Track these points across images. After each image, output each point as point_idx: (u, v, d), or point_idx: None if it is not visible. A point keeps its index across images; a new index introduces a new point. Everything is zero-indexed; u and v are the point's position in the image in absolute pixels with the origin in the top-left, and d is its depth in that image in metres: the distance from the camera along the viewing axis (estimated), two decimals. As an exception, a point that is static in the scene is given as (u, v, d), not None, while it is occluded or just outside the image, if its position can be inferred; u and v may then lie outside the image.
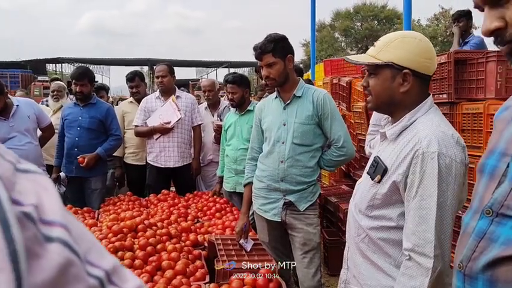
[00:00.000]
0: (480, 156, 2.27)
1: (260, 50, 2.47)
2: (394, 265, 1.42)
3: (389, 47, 1.43)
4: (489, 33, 0.83)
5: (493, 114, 2.41)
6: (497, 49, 2.62)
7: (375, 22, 34.31)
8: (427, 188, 1.30)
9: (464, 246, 0.88)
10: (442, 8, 29.80)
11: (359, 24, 34.59)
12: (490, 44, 4.58)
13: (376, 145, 1.67)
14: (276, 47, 2.45)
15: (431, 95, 1.49)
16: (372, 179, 1.45)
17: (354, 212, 1.56)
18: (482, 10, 0.85)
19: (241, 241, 2.53)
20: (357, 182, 1.64)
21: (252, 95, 8.19)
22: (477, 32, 5.03)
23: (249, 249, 2.49)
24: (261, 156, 2.62)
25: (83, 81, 3.83)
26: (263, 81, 3.71)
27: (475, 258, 0.84)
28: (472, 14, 4.75)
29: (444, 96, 2.78)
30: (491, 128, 2.41)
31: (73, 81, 3.83)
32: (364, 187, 1.51)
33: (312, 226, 2.49)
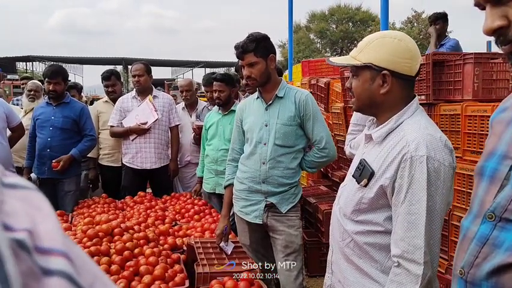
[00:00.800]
0: (458, 157, 2.27)
1: (242, 49, 2.42)
2: (380, 270, 1.40)
3: (369, 48, 1.41)
4: (491, 32, 0.81)
5: (471, 116, 2.45)
6: (473, 51, 2.66)
7: (350, 24, 34.76)
8: (416, 192, 1.27)
9: (465, 252, 0.86)
10: (415, 12, 30.46)
11: (334, 26, 34.97)
12: (466, 47, 4.67)
13: (359, 146, 1.65)
14: (258, 46, 2.41)
15: (416, 97, 1.47)
16: (358, 183, 1.42)
17: (339, 216, 1.53)
18: (483, 8, 0.83)
19: (222, 244, 2.48)
20: (341, 185, 1.61)
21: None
22: (452, 35, 5.13)
23: (229, 253, 2.45)
24: (242, 158, 2.57)
25: (57, 80, 3.71)
26: (243, 81, 3.69)
27: (478, 265, 0.81)
28: (448, 17, 4.84)
29: (423, 97, 2.81)
30: (468, 129, 2.44)
31: (46, 79, 3.70)
32: (349, 191, 1.48)
33: (294, 228, 2.46)
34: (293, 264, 2.43)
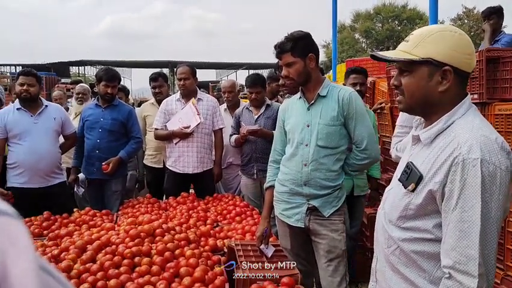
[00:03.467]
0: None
1: (279, 49, 2.38)
2: (429, 280, 1.30)
3: (426, 42, 1.30)
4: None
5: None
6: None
7: (396, 23, 33.88)
8: (469, 198, 1.17)
9: None
10: (465, 8, 29.23)
11: (379, 25, 34.20)
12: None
13: (406, 148, 1.55)
14: (295, 45, 2.34)
15: (469, 95, 1.36)
16: (405, 187, 1.33)
17: (384, 222, 1.44)
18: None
19: (262, 247, 2.43)
20: (387, 189, 1.53)
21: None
22: (507, 31, 4.83)
23: (269, 256, 2.40)
24: (284, 159, 2.51)
25: (114, 83, 3.84)
26: (281, 81, 3.64)
27: None
28: (503, 12, 4.56)
29: (475, 96, 2.65)
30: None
31: (103, 82, 3.81)
32: (395, 196, 1.39)
33: (337, 232, 2.37)
34: (336, 269, 2.36)
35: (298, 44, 2.34)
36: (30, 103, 3.56)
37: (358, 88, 3.45)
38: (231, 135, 4.06)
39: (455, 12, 30.00)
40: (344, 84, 3.49)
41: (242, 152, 4.00)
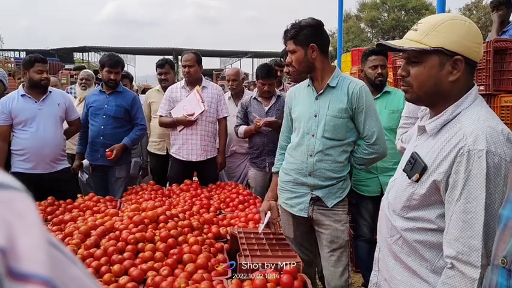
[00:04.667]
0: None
1: (284, 36, 2.38)
2: (431, 270, 1.31)
3: (437, 31, 1.28)
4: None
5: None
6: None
7: (403, 12, 33.57)
8: (473, 189, 1.17)
9: (507, 242, 0.82)
10: (474, -1, 28.91)
11: (385, 14, 33.91)
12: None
13: (411, 139, 1.55)
14: (298, 34, 2.31)
15: (476, 85, 1.35)
16: (410, 178, 1.33)
17: (387, 211, 1.45)
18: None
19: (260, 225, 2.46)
20: (391, 179, 1.53)
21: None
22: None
23: (260, 231, 2.41)
24: (289, 148, 2.50)
25: (117, 69, 3.83)
26: (285, 69, 3.62)
27: None
28: (512, 2, 4.50)
29: (482, 87, 2.64)
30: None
31: (106, 68, 3.80)
32: (399, 186, 1.39)
33: (340, 223, 2.38)
34: (339, 260, 2.37)
35: (302, 33, 2.32)
36: (37, 89, 3.55)
37: (379, 71, 3.08)
38: (237, 126, 4.00)
39: (463, 3, 29.64)
40: (362, 70, 3.22)
41: (251, 144, 3.96)
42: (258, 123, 3.72)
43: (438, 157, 1.26)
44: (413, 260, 1.35)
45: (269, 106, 3.88)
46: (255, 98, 3.96)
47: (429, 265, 1.31)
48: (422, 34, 1.31)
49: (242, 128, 3.94)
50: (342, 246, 2.37)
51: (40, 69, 3.53)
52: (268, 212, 2.46)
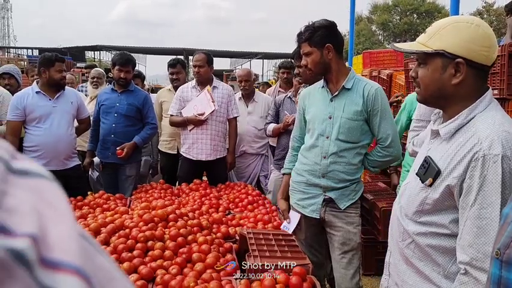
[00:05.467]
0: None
1: (298, 38, 2.37)
2: (443, 275, 1.30)
3: (441, 34, 1.29)
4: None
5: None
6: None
7: (415, 16, 33.37)
8: (488, 195, 1.16)
9: (503, 235, 0.84)
10: (485, 3, 28.64)
11: (397, 17, 33.73)
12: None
13: (424, 143, 1.54)
14: (312, 35, 2.30)
15: (490, 89, 1.34)
16: (423, 182, 1.32)
17: (399, 216, 1.43)
18: None
19: (285, 223, 2.49)
20: (403, 183, 1.52)
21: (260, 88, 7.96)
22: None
23: (291, 231, 2.43)
24: (303, 149, 2.49)
25: (128, 68, 3.84)
26: (296, 71, 3.59)
27: None
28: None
29: (496, 92, 2.61)
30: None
31: (117, 67, 3.83)
32: (412, 190, 1.38)
33: (352, 225, 2.36)
34: (350, 262, 2.35)
35: (316, 34, 2.31)
36: (54, 88, 3.59)
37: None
38: (267, 124, 3.94)
39: (475, 7, 29.36)
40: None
41: (278, 145, 3.91)
42: (287, 120, 3.63)
43: (453, 161, 1.25)
44: (426, 265, 1.34)
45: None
46: (289, 97, 3.86)
47: (442, 270, 1.30)
48: (428, 37, 1.33)
49: (271, 126, 3.86)
50: (354, 249, 2.36)
51: (60, 68, 3.58)
52: (296, 214, 2.47)
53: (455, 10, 3.70)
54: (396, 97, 3.98)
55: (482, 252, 1.16)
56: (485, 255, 1.15)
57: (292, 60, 4.04)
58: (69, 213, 0.26)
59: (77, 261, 0.23)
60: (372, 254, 3.61)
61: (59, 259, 0.23)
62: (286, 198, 2.58)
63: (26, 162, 0.26)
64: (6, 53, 32.90)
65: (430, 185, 1.30)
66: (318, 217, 2.40)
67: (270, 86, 7.06)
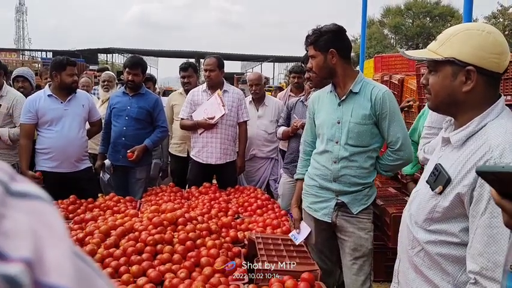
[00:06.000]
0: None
1: (305, 41, 2.39)
2: (453, 284, 1.28)
3: (451, 41, 1.29)
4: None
5: None
6: None
7: (428, 19, 33.11)
8: None
9: None
10: (501, 6, 28.32)
11: (410, 21, 33.51)
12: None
13: (435, 150, 1.53)
14: (318, 39, 2.31)
15: (503, 96, 1.33)
16: (433, 190, 1.31)
17: (409, 223, 1.42)
18: None
19: (293, 232, 2.47)
20: (413, 190, 1.50)
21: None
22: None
23: (297, 243, 2.41)
24: (315, 153, 2.48)
25: (136, 71, 3.87)
26: (306, 75, 3.59)
27: None
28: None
29: (509, 97, 2.57)
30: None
31: (126, 69, 3.87)
32: (422, 197, 1.37)
33: (364, 231, 2.34)
34: (361, 268, 2.33)
35: (321, 38, 2.31)
36: (65, 91, 3.63)
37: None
38: (278, 126, 3.97)
39: (490, 10, 29.02)
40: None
41: (288, 148, 3.91)
42: (295, 124, 3.64)
43: (463, 169, 1.24)
44: (435, 274, 1.32)
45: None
46: (301, 101, 3.85)
47: (451, 279, 1.29)
48: (438, 44, 1.33)
49: (281, 129, 3.89)
50: (365, 255, 2.34)
51: (72, 72, 3.62)
52: (307, 226, 2.46)
53: (469, 14, 3.67)
54: (408, 102, 3.95)
55: (493, 261, 1.14)
56: (496, 264, 1.13)
57: (303, 65, 4.04)
58: (65, 235, 0.26)
59: (72, 285, 0.23)
60: (381, 260, 3.57)
61: (54, 283, 0.23)
62: (300, 207, 2.58)
63: (24, 185, 0.26)
64: (21, 56, 33.39)
65: (440, 193, 1.29)
66: (330, 221, 2.38)
67: (282, 89, 7.06)
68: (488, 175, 0.83)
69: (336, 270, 2.65)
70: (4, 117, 3.73)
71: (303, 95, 4.30)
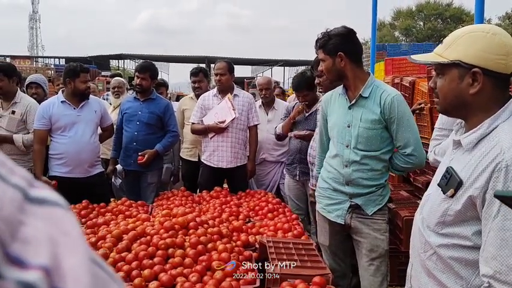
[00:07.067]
0: None
1: (315, 45, 2.40)
2: None
3: (457, 44, 1.29)
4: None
5: None
6: None
7: (439, 21, 32.89)
8: None
9: None
10: (515, 6, 27.99)
11: (421, 23, 33.31)
12: None
13: (446, 153, 1.51)
14: (326, 43, 2.31)
15: None
16: (444, 193, 1.30)
17: (421, 227, 1.41)
18: None
19: None
20: (425, 193, 1.49)
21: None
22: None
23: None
24: (328, 156, 2.49)
25: (144, 75, 3.90)
26: (316, 81, 3.59)
27: None
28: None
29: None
30: None
31: (136, 73, 3.93)
32: (434, 201, 1.36)
33: (380, 232, 2.33)
34: (378, 269, 2.32)
35: (330, 42, 2.31)
36: (78, 97, 3.68)
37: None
38: (276, 127, 4.00)
39: (504, 11, 28.68)
40: None
41: (289, 149, 3.93)
42: (290, 135, 3.67)
43: (475, 172, 1.23)
44: (448, 277, 1.31)
45: (309, 113, 3.81)
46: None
47: (464, 283, 1.27)
48: (444, 47, 1.33)
49: (279, 125, 3.93)
50: (381, 256, 2.33)
51: (85, 79, 3.67)
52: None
53: (480, 15, 3.64)
54: (419, 104, 3.92)
55: (506, 264, 1.12)
56: (510, 268, 1.12)
57: (312, 70, 4.03)
58: (82, 241, 0.26)
59: None
60: (394, 264, 3.54)
61: None
62: None
63: (43, 191, 0.26)
64: (34, 63, 33.90)
65: (452, 196, 1.28)
66: (343, 223, 2.37)
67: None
68: (506, 199, 0.83)
69: (349, 273, 2.64)
70: (18, 124, 3.79)
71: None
